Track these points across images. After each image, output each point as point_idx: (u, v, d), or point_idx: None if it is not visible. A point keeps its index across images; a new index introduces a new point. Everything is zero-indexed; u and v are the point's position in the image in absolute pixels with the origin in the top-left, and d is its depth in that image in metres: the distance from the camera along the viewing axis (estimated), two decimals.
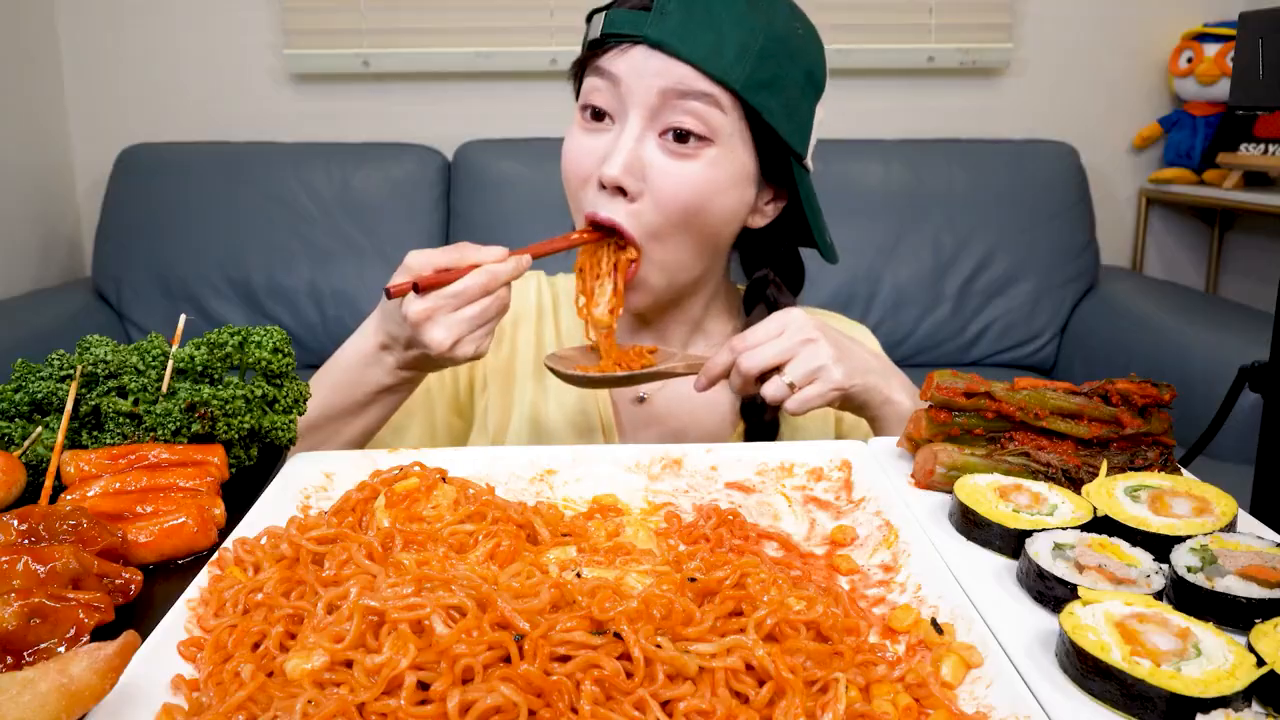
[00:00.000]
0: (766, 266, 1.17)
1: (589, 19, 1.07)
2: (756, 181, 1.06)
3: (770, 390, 0.96)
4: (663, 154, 1.00)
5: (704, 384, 1.01)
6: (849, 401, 1.00)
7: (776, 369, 0.96)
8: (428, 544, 0.67)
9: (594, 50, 1.02)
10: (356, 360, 1.00)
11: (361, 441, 1.04)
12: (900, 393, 1.01)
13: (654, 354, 1.08)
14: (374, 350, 0.99)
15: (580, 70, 1.07)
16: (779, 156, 1.05)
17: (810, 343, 0.96)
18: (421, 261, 0.92)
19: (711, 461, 0.87)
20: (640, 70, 0.98)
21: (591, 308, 1.04)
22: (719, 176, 1.01)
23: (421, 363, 0.99)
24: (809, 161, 1.07)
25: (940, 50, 2.74)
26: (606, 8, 1.04)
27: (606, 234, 1.03)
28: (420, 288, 0.89)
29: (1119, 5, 2.79)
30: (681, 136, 0.99)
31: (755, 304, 1.17)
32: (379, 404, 1.02)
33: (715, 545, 0.73)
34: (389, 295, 0.90)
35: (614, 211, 1.00)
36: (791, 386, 0.96)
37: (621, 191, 1.00)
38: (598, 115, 1.03)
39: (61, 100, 2.80)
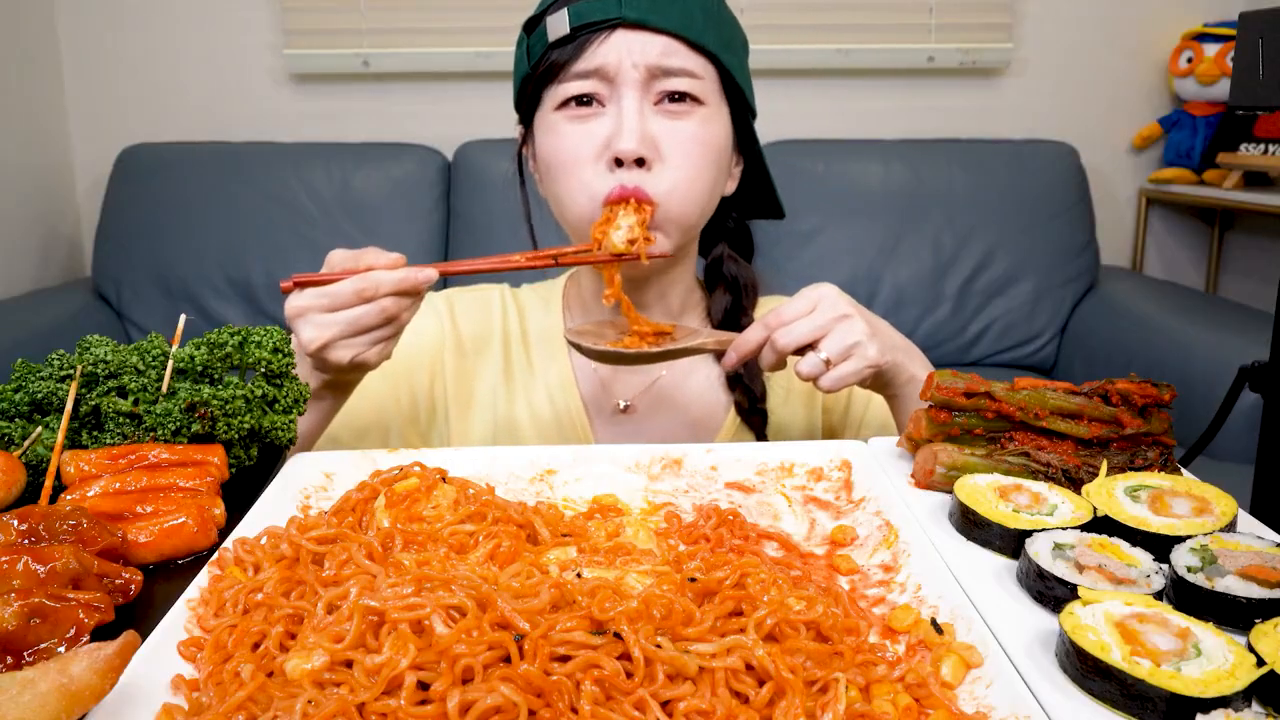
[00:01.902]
0: (720, 241, 1.19)
1: (531, 27, 1.06)
2: (733, 144, 1.10)
3: (805, 367, 0.95)
4: (665, 118, 1.03)
5: (735, 360, 0.99)
6: (878, 378, 0.99)
7: (810, 345, 0.96)
8: (428, 544, 0.67)
9: (559, 49, 1.02)
10: None
11: (303, 444, 1.00)
12: (922, 370, 1.01)
13: (673, 330, 1.05)
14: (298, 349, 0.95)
15: (539, 81, 1.05)
16: (742, 117, 1.10)
17: (845, 319, 0.96)
18: (338, 259, 0.92)
19: (711, 461, 0.87)
20: (625, 51, 1.00)
21: (611, 230, 1.01)
22: (715, 131, 1.05)
23: (324, 366, 0.94)
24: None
25: (940, 50, 2.74)
26: (554, 8, 1.03)
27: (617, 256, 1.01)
28: (301, 285, 0.90)
29: (1119, 5, 2.79)
30: (677, 98, 1.02)
31: (716, 280, 1.19)
32: (310, 406, 0.98)
33: (715, 545, 0.73)
34: (282, 289, 0.91)
35: (639, 180, 1.01)
36: (827, 363, 0.95)
37: (638, 163, 1.01)
38: (583, 102, 1.03)
39: (61, 100, 2.80)
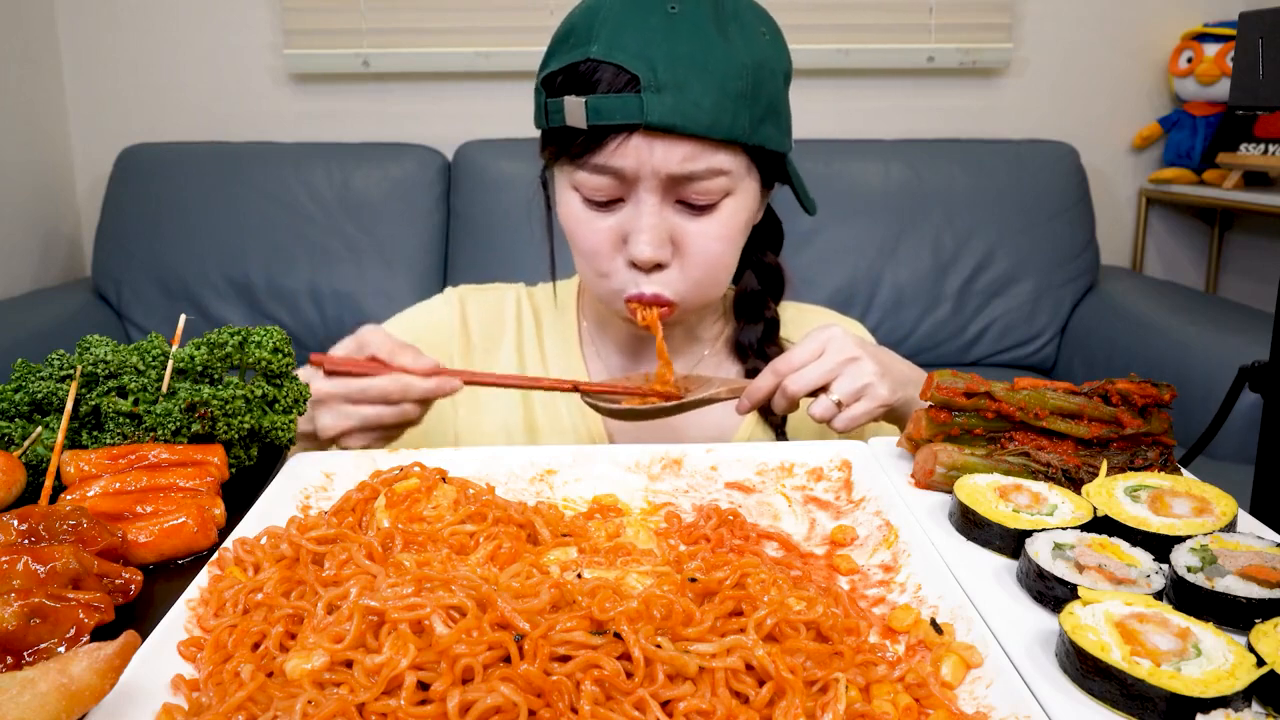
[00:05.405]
0: (752, 274, 1.17)
1: (549, 87, 0.98)
2: (762, 194, 1.07)
3: (818, 410, 0.96)
4: (685, 217, 0.99)
5: (747, 407, 1.00)
6: (890, 414, 0.99)
7: (822, 388, 0.96)
8: (428, 544, 0.67)
9: (578, 138, 0.96)
10: None
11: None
12: None
13: (687, 379, 1.07)
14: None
15: (557, 145, 0.99)
16: (776, 164, 1.06)
17: (853, 361, 0.96)
18: (369, 339, 0.92)
19: (711, 461, 0.87)
20: (646, 158, 0.95)
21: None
22: (739, 217, 1.02)
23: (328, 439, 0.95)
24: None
25: (940, 50, 2.74)
26: (571, 87, 0.95)
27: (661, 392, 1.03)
28: (328, 371, 0.91)
29: (1119, 5, 2.79)
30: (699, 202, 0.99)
31: (741, 313, 1.18)
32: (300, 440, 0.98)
33: (715, 545, 0.73)
34: (310, 362, 0.92)
35: (656, 286, 1.00)
36: (839, 405, 0.95)
37: (657, 265, 1.00)
38: (599, 202, 1.00)
39: (61, 100, 2.80)
